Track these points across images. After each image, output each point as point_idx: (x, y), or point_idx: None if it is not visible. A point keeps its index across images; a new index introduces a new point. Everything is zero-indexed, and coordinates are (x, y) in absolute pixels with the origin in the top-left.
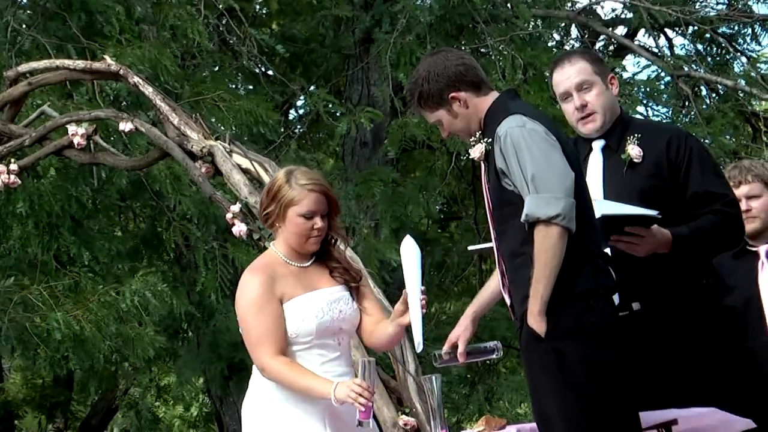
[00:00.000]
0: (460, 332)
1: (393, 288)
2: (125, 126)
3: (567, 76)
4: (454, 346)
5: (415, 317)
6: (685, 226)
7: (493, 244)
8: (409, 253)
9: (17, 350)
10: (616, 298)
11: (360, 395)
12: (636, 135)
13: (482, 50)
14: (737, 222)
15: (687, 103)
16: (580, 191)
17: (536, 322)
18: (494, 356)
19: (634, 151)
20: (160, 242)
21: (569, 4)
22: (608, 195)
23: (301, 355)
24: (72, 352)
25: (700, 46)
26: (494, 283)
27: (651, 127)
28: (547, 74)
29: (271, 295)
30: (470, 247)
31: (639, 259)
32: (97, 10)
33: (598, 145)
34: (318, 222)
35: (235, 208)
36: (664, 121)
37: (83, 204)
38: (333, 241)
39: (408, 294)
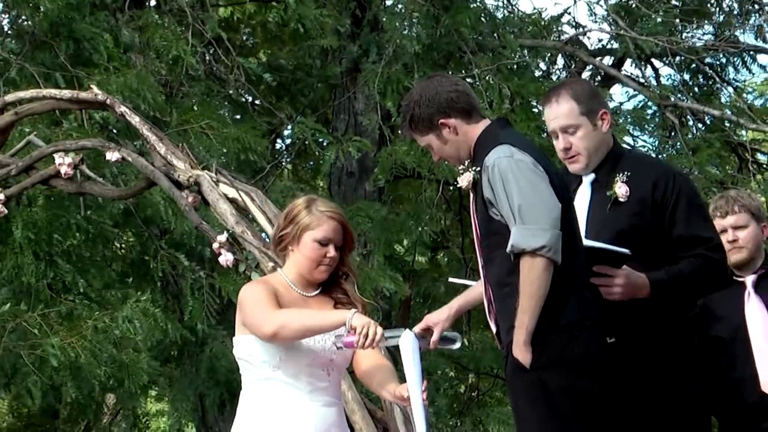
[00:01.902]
0: (440, 321)
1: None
2: (112, 156)
3: (553, 116)
4: (429, 332)
5: (417, 414)
6: (663, 271)
7: (473, 282)
8: (408, 347)
9: (9, 381)
10: None
11: (367, 336)
12: (625, 172)
13: (469, 80)
14: (719, 267)
15: (673, 133)
16: (568, 222)
17: (521, 352)
18: (455, 347)
19: (621, 189)
20: (148, 270)
21: (556, 34)
22: (590, 231)
23: (289, 381)
24: (69, 380)
25: (686, 76)
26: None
27: (642, 163)
28: (534, 104)
29: (272, 294)
30: (450, 279)
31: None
32: (85, 37)
33: (587, 180)
34: (331, 251)
35: (222, 237)
36: (650, 151)
37: (79, 228)
38: (343, 276)
39: (409, 390)
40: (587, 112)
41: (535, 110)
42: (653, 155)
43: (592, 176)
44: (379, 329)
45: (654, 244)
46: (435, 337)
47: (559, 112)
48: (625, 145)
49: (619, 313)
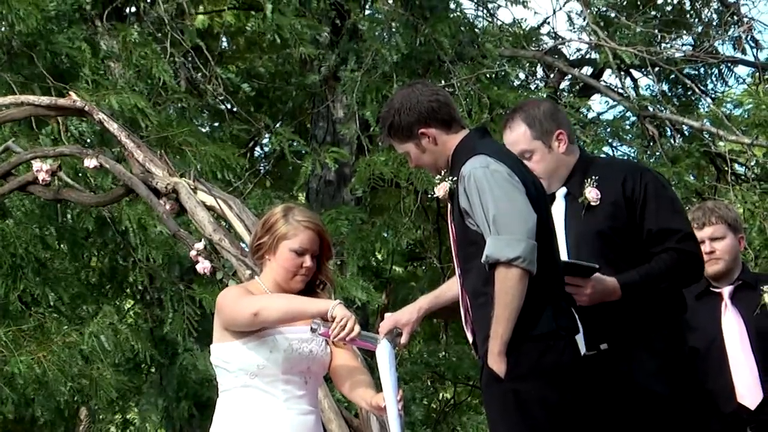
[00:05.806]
0: (410, 323)
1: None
2: (90, 162)
3: (509, 143)
4: (396, 334)
5: (392, 423)
6: (635, 271)
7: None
8: (385, 356)
9: None
10: (581, 338)
11: (345, 328)
12: (594, 177)
13: (448, 89)
14: (692, 258)
15: (652, 144)
16: (544, 233)
17: (495, 362)
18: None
19: (591, 194)
20: (121, 282)
21: (535, 44)
22: (569, 239)
23: (266, 389)
24: (35, 396)
25: (665, 87)
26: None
27: (609, 166)
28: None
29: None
30: None
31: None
32: (64, 52)
33: (560, 193)
34: (307, 260)
35: (200, 245)
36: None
37: (48, 245)
38: (321, 285)
39: (385, 398)
40: (540, 136)
41: None
42: None
43: (564, 189)
44: (357, 326)
45: (634, 243)
46: (404, 339)
47: (513, 139)
48: (602, 155)
49: (610, 317)
